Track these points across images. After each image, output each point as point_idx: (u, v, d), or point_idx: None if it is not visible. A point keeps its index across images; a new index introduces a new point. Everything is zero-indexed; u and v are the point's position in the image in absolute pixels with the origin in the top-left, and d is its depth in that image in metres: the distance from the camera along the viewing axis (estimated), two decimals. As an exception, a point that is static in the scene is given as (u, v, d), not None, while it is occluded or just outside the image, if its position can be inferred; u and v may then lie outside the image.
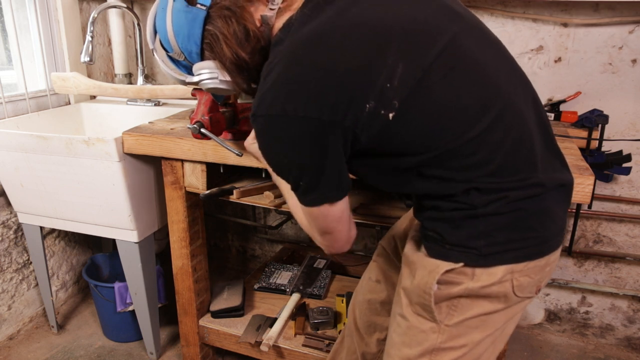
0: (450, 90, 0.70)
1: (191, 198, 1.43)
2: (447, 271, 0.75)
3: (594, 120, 1.45)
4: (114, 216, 1.46)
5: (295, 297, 1.62)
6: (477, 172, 0.71)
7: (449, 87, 0.70)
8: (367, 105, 0.68)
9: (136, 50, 1.94)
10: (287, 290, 1.68)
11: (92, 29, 1.56)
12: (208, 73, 0.84)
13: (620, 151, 1.50)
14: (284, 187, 0.85)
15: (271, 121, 0.70)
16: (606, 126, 1.47)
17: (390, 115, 0.69)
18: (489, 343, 0.81)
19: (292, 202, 0.85)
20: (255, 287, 1.71)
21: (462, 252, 0.75)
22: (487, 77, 0.73)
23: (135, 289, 1.57)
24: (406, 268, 0.84)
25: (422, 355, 0.80)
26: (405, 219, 1.05)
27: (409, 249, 0.86)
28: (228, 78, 0.83)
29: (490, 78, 0.73)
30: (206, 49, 0.81)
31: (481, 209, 0.72)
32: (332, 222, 0.79)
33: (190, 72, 0.88)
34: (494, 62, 0.75)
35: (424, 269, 0.78)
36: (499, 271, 0.74)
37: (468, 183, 0.72)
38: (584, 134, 1.45)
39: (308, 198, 0.77)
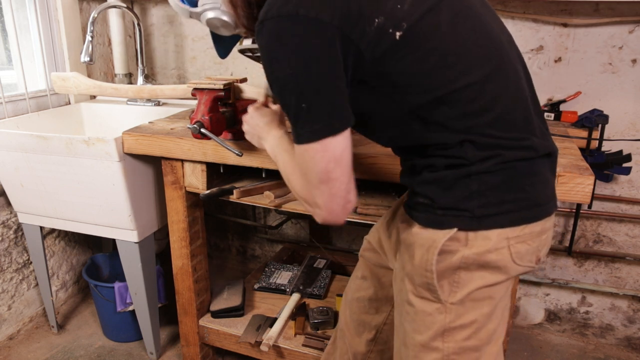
0: (455, 32, 0.72)
1: (191, 198, 1.43)
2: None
3: (594, 120, 1.45)
4: (114, 216, 1.46)
5: (295, 297, 1.62)
6: (476, 120, 0.72)
7: (454, 28, 0.72)
8: (376, 20, 0.69)
9: (136, 50, 1.94)
10: (287, 290, 1.68)
11: (92, 29, 1.56)
12: (211, 3, 0.87)
13: (620, 151, 1.50)
14: (277, 144, 0.88)
15: (281, 22, 0.69)
16: (606, 126, 1.47)
17: (397, 34, 0.70)
18: (499, 315, 0.80)
19: (284, 161, 0.83)
20: (255, 287, 1.71)
21: (455, 216, 0.74)
22: (488, 31, 0.76)
23: (135, 289, 1.57)
24: (405, 252, 0.83)
25: (434, 339, 0.79)
26: (389, 213, 1.05)
27: (403, 231, 0.85)
28: (230, 10, 0.86)
29: (491, 33, 0.76)
30: None
31: (475, 165, 0.72)
32: (330, 162, 0.71)
33: (196, 6, 0.92)
34: (493, 22, 0.78)
35: (421, 247, 0.78)
36: (492, 235, 0.74)
37: (465, 133, 0.72)
38: (584, 134, 1.45)
39: (308, 129, 0.71)
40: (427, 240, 0.77)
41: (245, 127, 1.00)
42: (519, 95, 0.76)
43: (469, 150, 0.72)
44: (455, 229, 0.74)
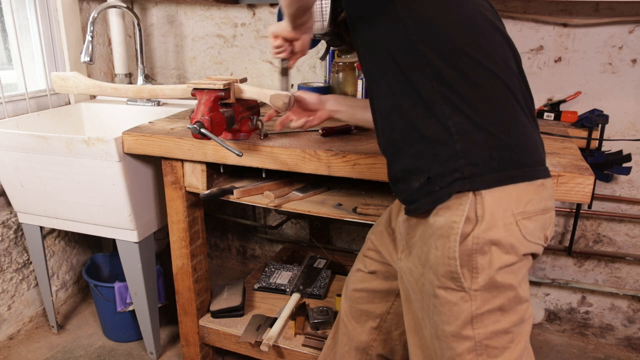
0: None
1: (191, 198, 1.43)
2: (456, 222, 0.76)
3: (594, 120, 1.45)
4: (114, 216, 1.46)
5: (295, 297, 1.62)
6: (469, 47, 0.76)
7: None
8: None
9: (136, 50, 1.94)
10: (287, 290, 1.68)
11: (92, 29, 1.56)
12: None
13: (620, 151, 1.50)
14: None
15: None
16: (606, 126, 1.47)
17: None
18: (525, 294, 0.80)
19: None
20: (255, 287, 1.71)
21: (448, 184, 0.75)
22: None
23: (135, 289, 1.57)
24: (422, 247, 0.83)
25: (464, 328, 0.79)
26: (390, 214, 1.05)
27: (412, 229, 0.86)
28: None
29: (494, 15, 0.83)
30: None
31: (451, 117, 0.75)
32: None
33: None
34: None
35: (441, 237, 0.78)
36: (496, 209, 0.74)
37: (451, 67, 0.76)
38: (584, 133, 1.45)
39: None
40: (445, 229, 0.77)
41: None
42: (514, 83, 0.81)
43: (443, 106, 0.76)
44: (455, 195, 0.75)
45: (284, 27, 1.04)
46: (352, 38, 0.90)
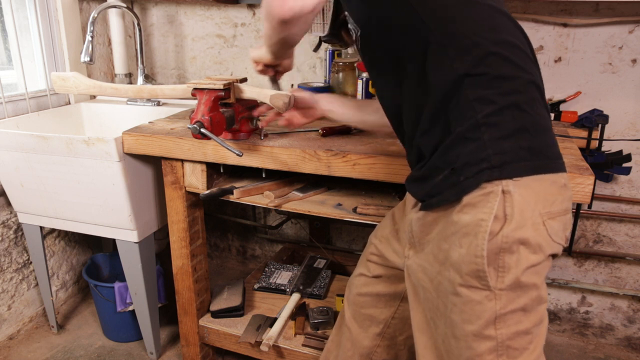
0: None
1: (191, 198, 1.43)
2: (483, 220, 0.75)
3: (594, 120, 1.45)
4: (114, 216, 1.46)
5: (295, 297, 1.62)
6: (482, 31, 0.76)
7: None
8: None
9: (136, 50, 1.94)
10: (287, 290, 1.68)
11: (92, 29, 1.56)
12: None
13: (620, 151, 1.50)
14: None
15: None
16: (606, 126, 1.47)
17: None
18: (545, 294, 0.80)
19: None
20: (255, 287, 1.71)
21: (475, 174, 0.74)
22: None
23: (135, 289, 1.57)
24: (441, 245, 0.82)
25: (486, 327, 0.78)
26: (398, 212, 1.04)
27: (428, 227, 0.85)
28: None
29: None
30: None
31: (483, 110, 0.74)
32: None
33: None
34: None
35: (467, 235, 0.77)
36: (525, 206, 0.74)
37: (474, 50, 0.75)
38: (584, 134, 1.45)
39: None
40: (472, 227, 0.76)
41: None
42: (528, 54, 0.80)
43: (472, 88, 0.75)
44: (483, 184, 0.74)
45: (264, 53, 1.03)
46: (360, 43, 0.88)
